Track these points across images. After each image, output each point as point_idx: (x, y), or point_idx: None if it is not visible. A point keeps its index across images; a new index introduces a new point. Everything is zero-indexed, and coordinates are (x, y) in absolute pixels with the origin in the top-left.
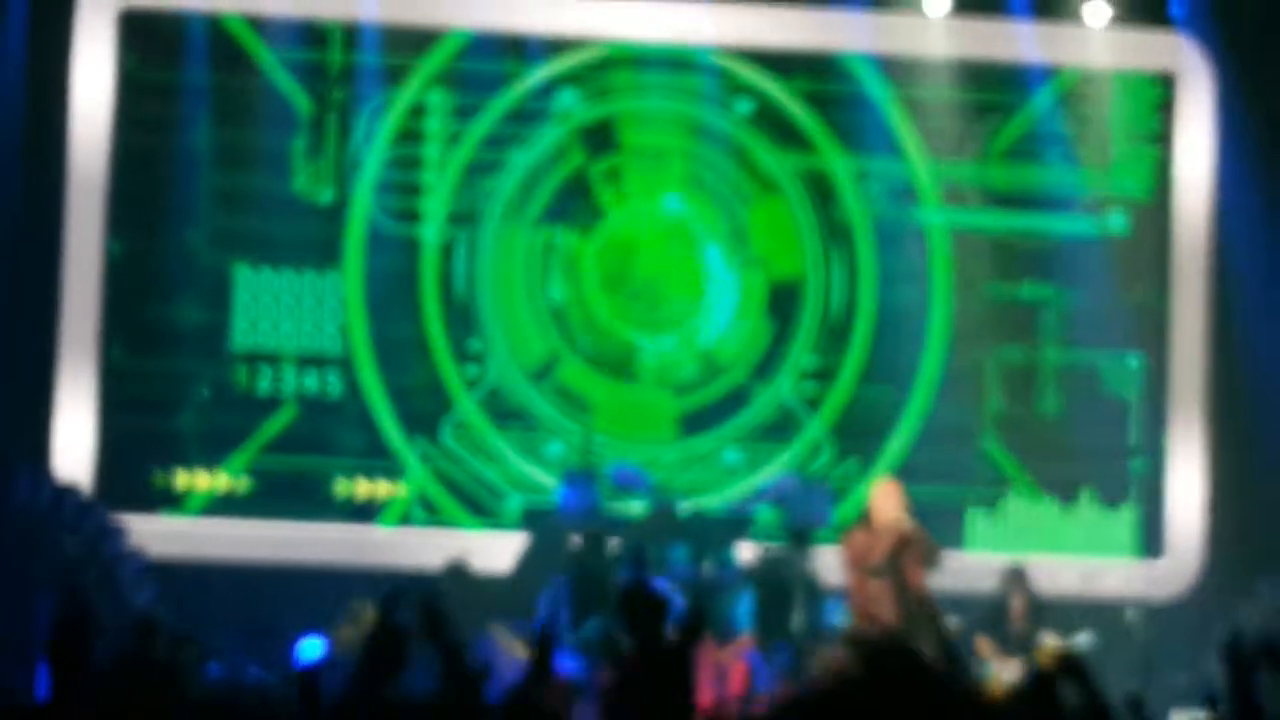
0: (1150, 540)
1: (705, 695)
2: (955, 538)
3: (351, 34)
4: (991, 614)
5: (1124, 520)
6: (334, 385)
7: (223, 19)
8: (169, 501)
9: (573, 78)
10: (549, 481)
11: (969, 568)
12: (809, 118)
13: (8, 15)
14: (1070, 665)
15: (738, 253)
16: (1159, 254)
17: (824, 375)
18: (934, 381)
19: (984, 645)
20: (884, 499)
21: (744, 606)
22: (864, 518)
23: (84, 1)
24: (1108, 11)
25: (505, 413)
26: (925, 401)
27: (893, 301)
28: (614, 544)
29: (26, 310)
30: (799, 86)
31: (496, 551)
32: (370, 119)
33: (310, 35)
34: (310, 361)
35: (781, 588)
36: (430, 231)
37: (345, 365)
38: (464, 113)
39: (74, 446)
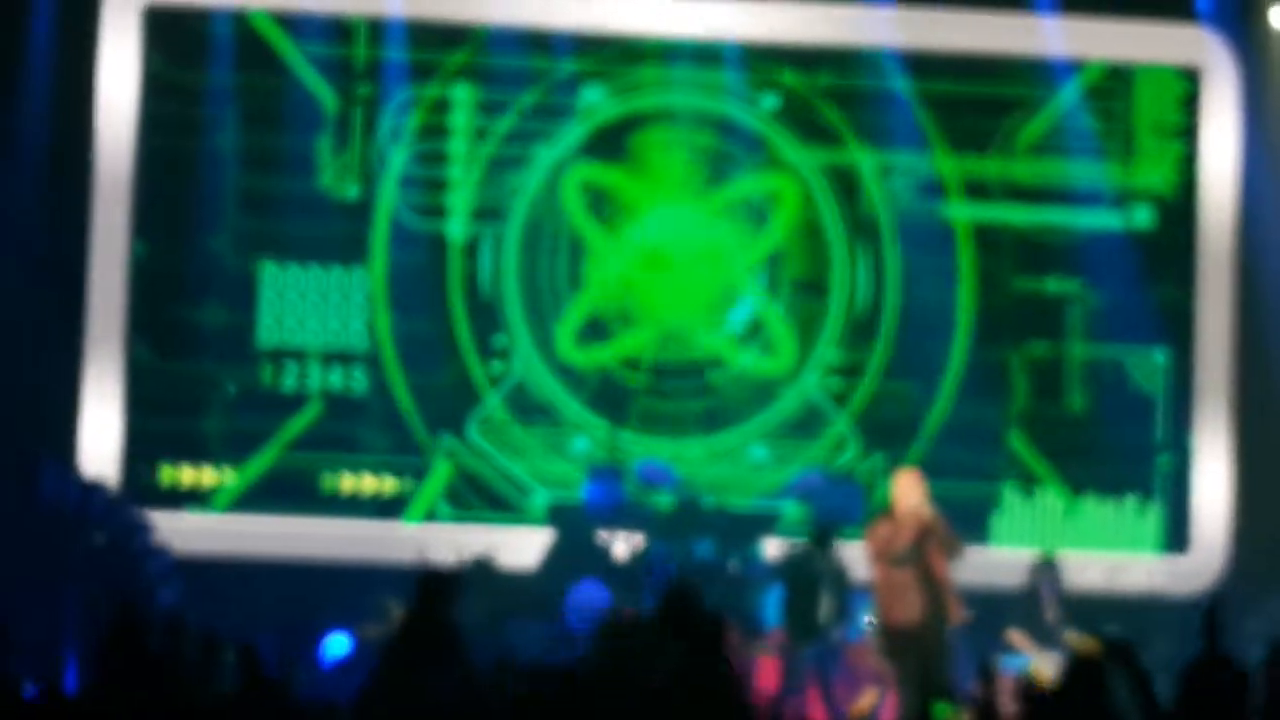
0: (1175, 536)
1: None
2: (981, 533)
3: (377, 29)
4: (1023, 606)
5: (1149, 516)
6: (359, 381)
7: (249, 14)
8: (194, 498)
9: (598, 73)
10: (575, 477)
11: (994, 563)
12: (834, 113)
13: (34, 14)
14: (1118, 651)
15: (763, 259)
16: (1185, 248)
17: (850, 371)
18: (960, 377)
19: (1017, 638)
20: (906, 488)
21: (772, 602)
22: (887, 508)
23: (109, 2)
24: None
25: (531, 408)
26: (951, 397)
27: (918, 296)
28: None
29: (53, 309)
30: (824, 81)
31: (523, 547)
32: (396, 114)
33: (336, 30)
34: (336, 358)
35: (808, 583)
36: (455, 227)
37: (371, 361)
38: (490, 108)
39: (100, 443)
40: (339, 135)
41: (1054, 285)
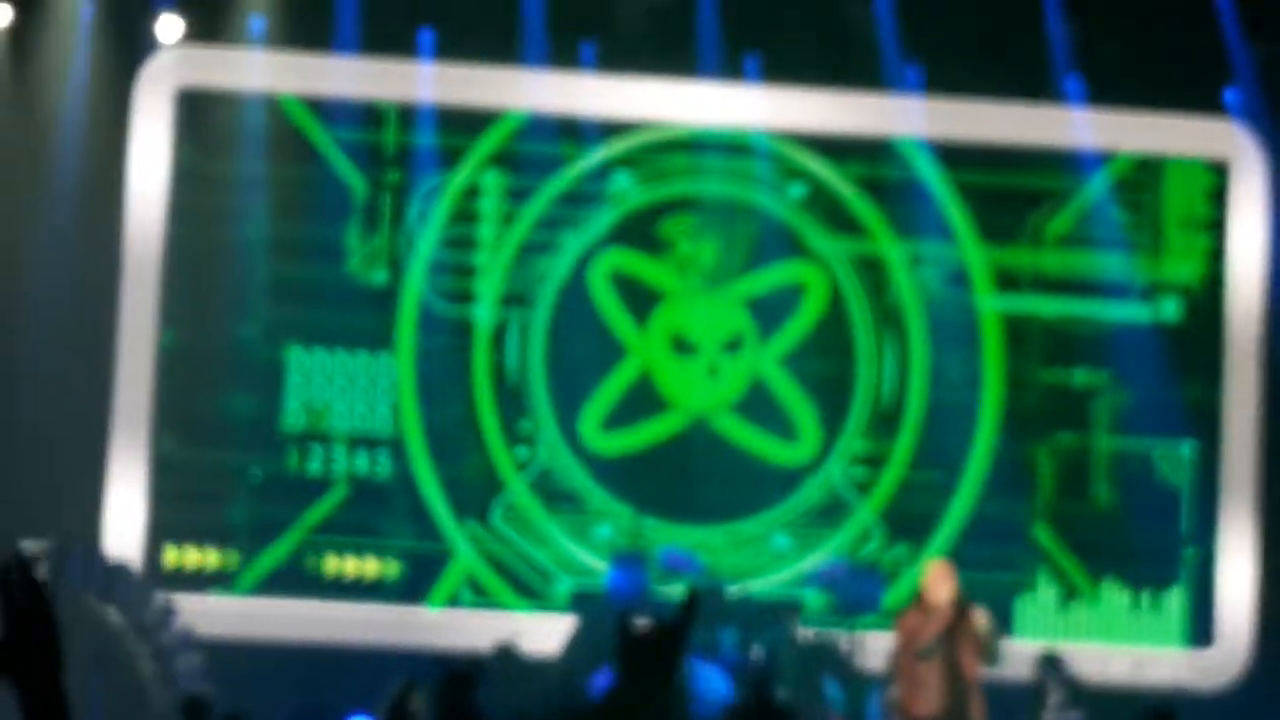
0: (1201, 629)
1: None
2: (1005, 625)
3: (407, 115)
4: (1030, 701)
5: (1174, 608)
6: (384, 466)
7: (280, 99)
8: (217, 580)
9: (627, 160)
10: (598, 564)
11: (1016, 655)
12: (862, 202)
13: (67, 98)
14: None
15: (790, 348)
16: (1212, 341)
17: (874, 460)
18: (985, 468)
19: None
20: (936, 580)
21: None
22: (917, 599)
23: (142, 82)
24: None
25: (555, 494)
26: (976, 488)
27: (944, 387)
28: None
29: (80, 395)
30: (852, 171)
31: (545, 633)
32: (425, 200)
33: (366, 116)
34: (361, 442)
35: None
36: (483, 313)
37: (396, 446)
38: (518, 194)
39: (125, 529)
40: (367, 221)
41: (1081, 377)
